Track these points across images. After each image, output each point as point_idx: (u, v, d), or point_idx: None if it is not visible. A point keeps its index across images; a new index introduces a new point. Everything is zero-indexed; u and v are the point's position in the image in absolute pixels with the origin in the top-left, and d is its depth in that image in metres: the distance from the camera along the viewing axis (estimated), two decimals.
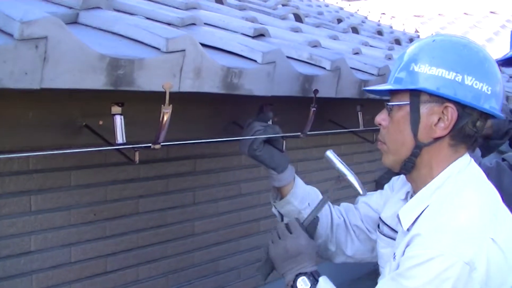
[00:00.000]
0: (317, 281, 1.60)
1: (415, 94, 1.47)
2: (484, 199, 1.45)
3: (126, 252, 2.45)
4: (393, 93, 1.56)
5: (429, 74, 1.45)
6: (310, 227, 1.72)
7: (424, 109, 1.47)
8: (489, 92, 1.45)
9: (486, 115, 1.48)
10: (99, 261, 2.34)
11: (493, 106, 1.47)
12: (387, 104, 1.55)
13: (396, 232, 1.60)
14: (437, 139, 1.47)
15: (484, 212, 1.40)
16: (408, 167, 1.53)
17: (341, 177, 1.74)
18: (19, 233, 2.07)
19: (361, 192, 1.72)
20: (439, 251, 1.30)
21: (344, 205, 1.95)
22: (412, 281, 1.33)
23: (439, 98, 1.44)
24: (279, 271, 1.68)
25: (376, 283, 1.52)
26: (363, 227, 1.87)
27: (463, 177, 1.48)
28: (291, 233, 1.69)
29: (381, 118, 1.58)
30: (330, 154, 1.76)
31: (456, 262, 1.28)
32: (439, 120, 1.45)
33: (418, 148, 1.49)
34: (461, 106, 1.44)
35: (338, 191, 1.77)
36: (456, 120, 1.44)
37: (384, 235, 1.71)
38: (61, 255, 2.20)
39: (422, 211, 1.45)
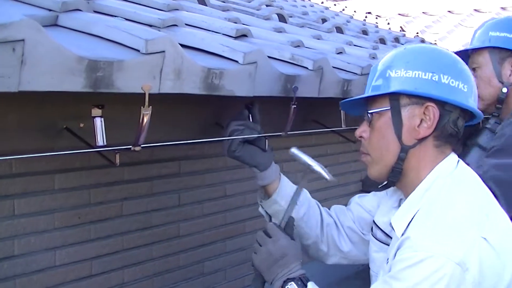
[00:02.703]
0: (305, 286, 1.58)
1: (395, 98, 1.49)
2: (474, 198, 1.45)
3: (111, 255, 2.43)
4: (371, 102, 1.56)
5: (406, 77, 1.47)
6: (288, 227, 1.70)
7: (405, 111, 1.48)
8: (465, 90, 1.47)
9: (464, 114, 1.50)
10: (84, 265, 2.33)
11: (471, 103, 1.49)
12: (368, 113, 1.54)
13: (390, 237, 1.59)
14: (421, 140, 1.48)
15: (474, 212, 1.39)
16: (396, 174, 1.52)
17: (308, 169, 1.74)
18: (2, 238, 2.04)
19: (328, 178, 1.71)
20: (428, 252, 1.30)
21: (335, 207, 1.93)
22: (402, 283, 1.32)
23: (419, 99, 1.46)
24: (267, 280, 1.65)
25: (365, 282, 1.52)
26: (356, 229, 1.85)
27: (452, 178, 1.48)
28: (270, 237, 1.67)
29: (361, 130, 1.58)
30: (295, 150, 1.77)
31: (445, 262, 1.27)
32: (421, 121, 1.46)
33: (404, 151, 1.49)
34: (441, 105, 1.45)
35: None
36: (438, 119, 1.45)
37: (377, 239, 1.70)
38: (45, 259, 2.18)
39: (414, 216, 1.45)
